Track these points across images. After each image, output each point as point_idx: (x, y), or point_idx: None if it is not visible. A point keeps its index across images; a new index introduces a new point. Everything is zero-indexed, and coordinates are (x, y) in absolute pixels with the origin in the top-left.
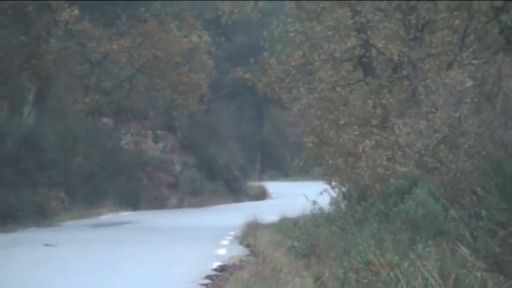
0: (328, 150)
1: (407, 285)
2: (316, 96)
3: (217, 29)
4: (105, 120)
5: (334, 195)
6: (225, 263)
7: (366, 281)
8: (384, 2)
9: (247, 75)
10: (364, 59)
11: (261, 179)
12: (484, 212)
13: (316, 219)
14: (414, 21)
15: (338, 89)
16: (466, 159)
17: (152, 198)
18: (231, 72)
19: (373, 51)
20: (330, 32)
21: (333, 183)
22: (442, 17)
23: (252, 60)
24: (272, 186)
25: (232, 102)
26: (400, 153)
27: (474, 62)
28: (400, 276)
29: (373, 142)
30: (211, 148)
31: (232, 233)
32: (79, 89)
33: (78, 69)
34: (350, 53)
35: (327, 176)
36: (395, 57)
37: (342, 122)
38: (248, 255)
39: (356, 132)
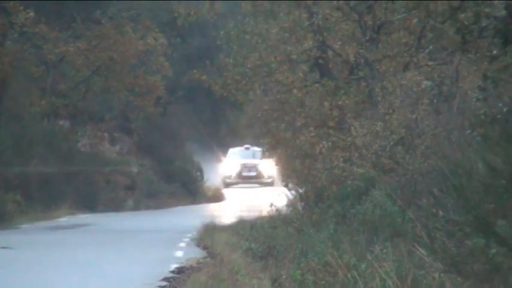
0: (284, 151)
1: (365, 286)
2: (272, 98)
3: (173, 31)
4: (61, 122)
5: (291, 196)
6: (182, 265)
7: (323, 282)
8: (341, 1)
9: (204, 77)
10: (321, 61)
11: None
12: (441, 213)
13: (273, 221)
14: (370, 22)
15: (294, 90)
16: (423, 160)
17: (109, 200)
18: (188, 74)
19: (330, 52)
20: (286, 34)
21: (290, 185)
22: (398, 18)
23: (208, 62)
24: (229, 188)
25: (189, 104)
26: (357, 155)
27: (430, 63)
28: (358, 277)
29: (329, 143)
30: (168, 150)
31: (189, 235)
32: (35, 91)
33: (34, 71)
34: (306, 54)
35: (283, 177)
36: (352, 59)
37: (298, 123)
38: (205, 257)
39: (312, 134)
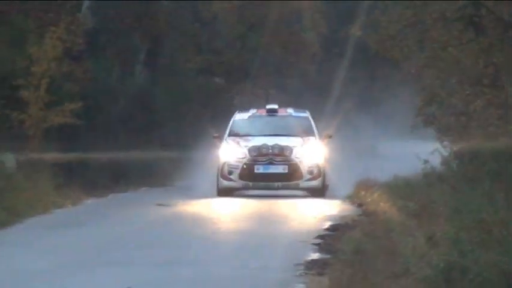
0: (439, 109)
1: None
2: (428, 55)
3: None
4: (217, 79)
5: (446, 154)
6: (336, 222)
7: (478, 239)
8: None
9: (359, 33)
10: (475, 18)
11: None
12: None
13: (428, 179)
14: None
15: (450, 48)
16: None
17: None
18: (343, 31)
19: (484, 10)
20: None
21: (445, 143)
22: None
23: (363, 18)
24: (382, 146)
25: (343, 61)
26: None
27: None
28: None
29: (484, 101)
30: (323, 107)
31: (344, 193)
32: (190, 48)
33: (189, 28)
34: (461, 12)
35: (438, 135)
36: (506, 17)
37: (453, 81)
38: (360, 215)
39: (467, 92)
